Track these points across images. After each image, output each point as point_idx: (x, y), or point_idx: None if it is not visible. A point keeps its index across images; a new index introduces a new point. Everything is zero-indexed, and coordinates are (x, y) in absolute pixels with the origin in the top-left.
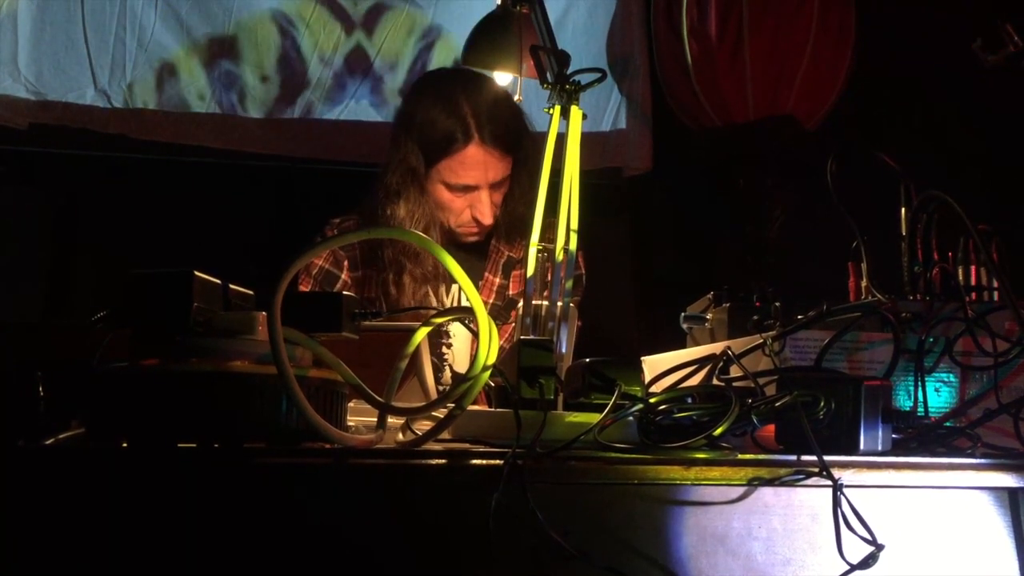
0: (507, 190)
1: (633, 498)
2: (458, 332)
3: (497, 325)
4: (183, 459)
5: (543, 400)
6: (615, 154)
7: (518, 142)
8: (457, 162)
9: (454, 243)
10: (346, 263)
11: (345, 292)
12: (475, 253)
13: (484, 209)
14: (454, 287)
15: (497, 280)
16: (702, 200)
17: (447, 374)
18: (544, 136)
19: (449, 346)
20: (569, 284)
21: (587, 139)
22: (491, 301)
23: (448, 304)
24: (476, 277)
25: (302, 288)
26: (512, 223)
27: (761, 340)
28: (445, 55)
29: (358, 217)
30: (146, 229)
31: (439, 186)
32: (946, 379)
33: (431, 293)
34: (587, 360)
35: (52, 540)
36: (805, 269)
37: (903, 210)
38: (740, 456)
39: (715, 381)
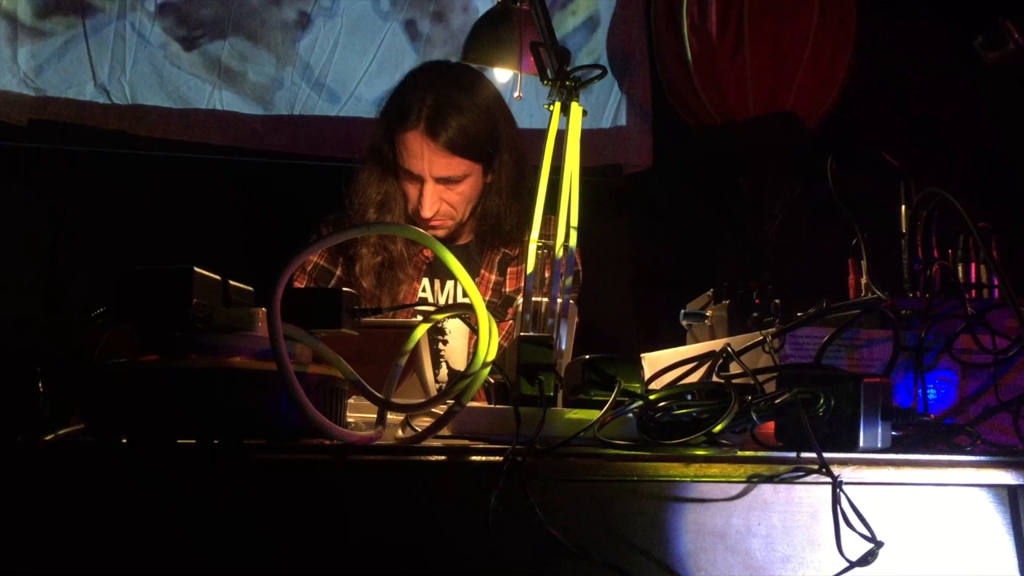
0: (473, 191)
1: (633, 495)
2: (453, 329)
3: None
4: (183, 455)
5: (543, 397)
6: (615, 151)
7: (479, 151)
8: (402, 144)
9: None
10: (340, 259)
11: (344, 288)
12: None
13: (424, 201)
14: (449, 283)
15: (493, 277)
16: (702, 197)
17: (443, 371)
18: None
19: (445, 343)
20: (568, 281)
21: (587, 136)
22: (487, 298)
23: (443, 301)
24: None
25: (297, 285)
26: (486, 227)
27: (761, 337)
28: None
29: (352, 214)
30: (145, 225)
31: (399, 169)
32: (946, 376)
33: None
34: (587, 357)
35: (51, 536)
36: (805, 266)
37: (903, 207)
38: (740, 453)
39: (715, 378)
